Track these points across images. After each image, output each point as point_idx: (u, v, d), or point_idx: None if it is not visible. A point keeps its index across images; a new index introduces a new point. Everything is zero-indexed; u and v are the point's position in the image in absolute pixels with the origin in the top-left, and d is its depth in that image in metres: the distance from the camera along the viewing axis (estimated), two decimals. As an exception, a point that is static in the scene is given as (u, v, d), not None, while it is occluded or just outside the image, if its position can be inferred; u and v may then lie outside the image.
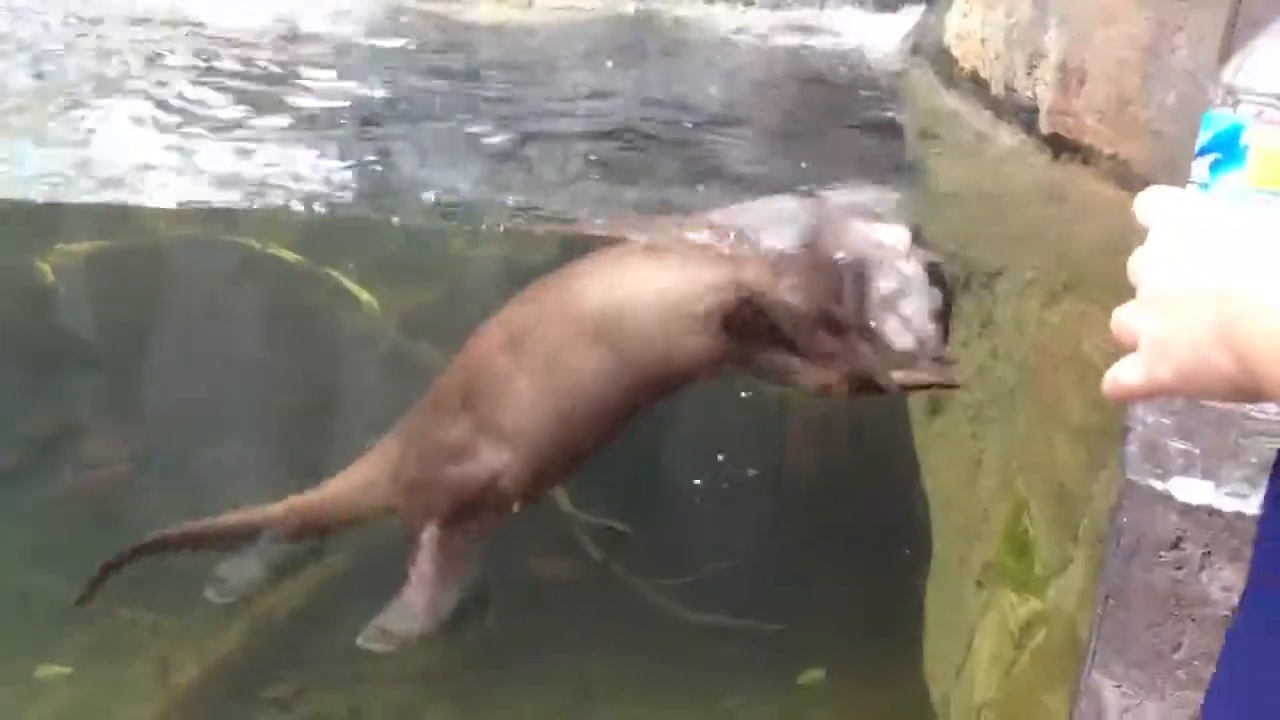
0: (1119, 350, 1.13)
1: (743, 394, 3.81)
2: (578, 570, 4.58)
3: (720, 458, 4.65)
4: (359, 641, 4.30)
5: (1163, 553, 1.98)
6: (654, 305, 2.78)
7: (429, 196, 3.00)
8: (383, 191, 3.08)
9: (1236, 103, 1.27)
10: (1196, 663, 1.98)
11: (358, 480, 3.23)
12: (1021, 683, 3.01)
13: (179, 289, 4.41)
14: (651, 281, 2.79)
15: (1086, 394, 2.73)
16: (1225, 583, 1.92)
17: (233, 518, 3.36)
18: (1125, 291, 2.41)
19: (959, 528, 3.53)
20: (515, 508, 2.99)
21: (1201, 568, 1.94)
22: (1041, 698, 2.84)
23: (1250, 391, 0.99)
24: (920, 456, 3.77)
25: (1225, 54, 1.79)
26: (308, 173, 3.00)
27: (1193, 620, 1.97)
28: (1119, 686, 2.08)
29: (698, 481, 4.76)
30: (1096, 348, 2.64)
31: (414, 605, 4.42)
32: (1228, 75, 1.28)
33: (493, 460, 2.90)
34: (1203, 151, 1.32)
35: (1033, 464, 3.01)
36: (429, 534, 2.97)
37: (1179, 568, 1.96)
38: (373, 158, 3.12)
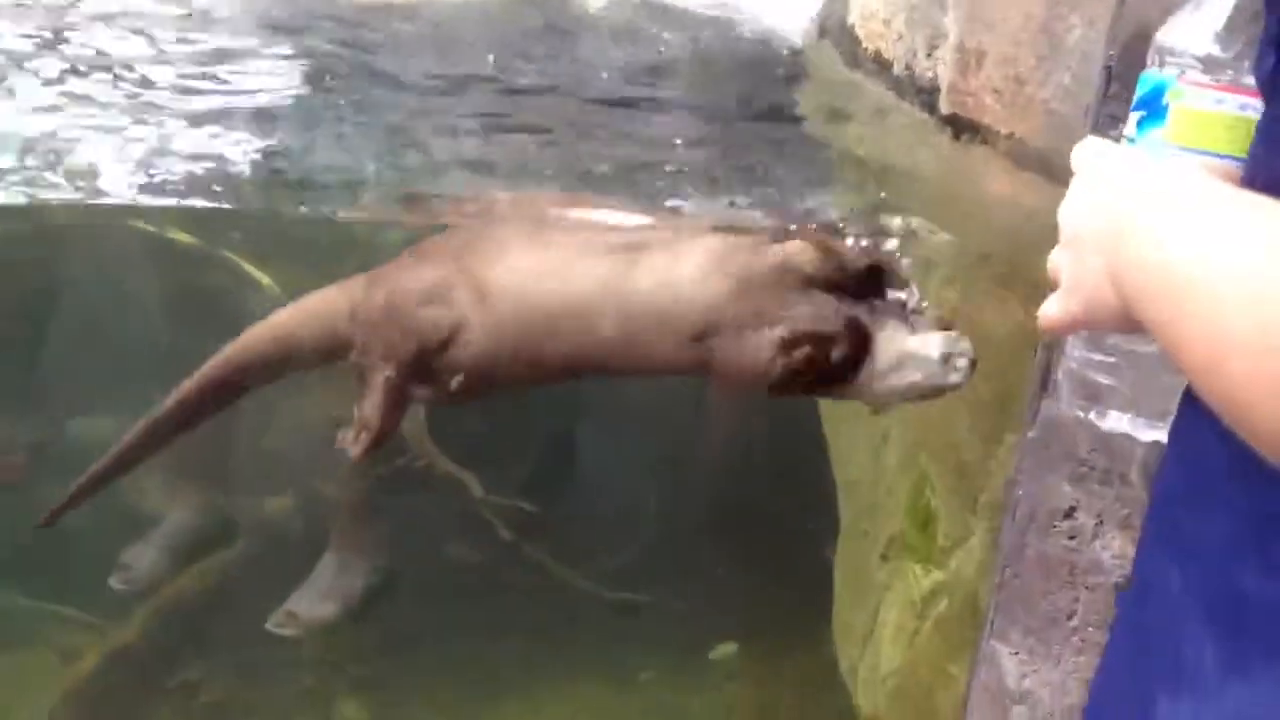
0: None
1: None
2: (488, 552, 4.57)
3: (630, 438, 4.67)
4: (267, 626, 4.27)
5: (1057, 522, 2.02)
6: (672, 298, 2.64)
7: (325, 178, 2.96)
8: (277, 174, 3.03)
9: (1163, 63, 1.31)
10: (1090, 629, 2.03)
11: (313, 308, 3.06)
12: (925, 652, 3.07)
13: (70, 274, 4.32)
14: (683, 271, 2.65)
15: (986, 368, 2.78)
16: (1116, 551, 1.97)
17: (173, 397, 3.19)
18: (1022, 266, 2.45)
19: (865, 502, 3.58)
20: (453, 388, 2.81)
21: (1094, 537, 1.99)
22: (944, 665, 2.90)
23: (1133, 324, 1.07)
24: (827, 434, 3.81)
25: (1115, 34, 1.83)
26: (203, 156, 2.95)
27: (1086, 588, 2.02)
28: (1016, 653, 2.12)
29: (607, 462, 4.78)
30: (996, 324, 2.69)
31: (323, 589, 4.40)
32: (1159, 36, 1.32)
33: (465, 310, 2.71)
34: (1134, 108, 1.37)
35: (934, 439, 3.06)
36: (382, 377, 2.81)
37: (1072, 537, 2.01)
38: (268, 141, 3.07)
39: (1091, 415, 1.95)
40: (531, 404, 4.55)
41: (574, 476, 4.88)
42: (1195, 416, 1.09)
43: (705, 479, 4.58)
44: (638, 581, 4.58)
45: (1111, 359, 1.89)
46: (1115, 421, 1.93)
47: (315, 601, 4.37)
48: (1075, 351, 1.95)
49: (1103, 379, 1.92)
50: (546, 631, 4.55)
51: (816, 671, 4.21)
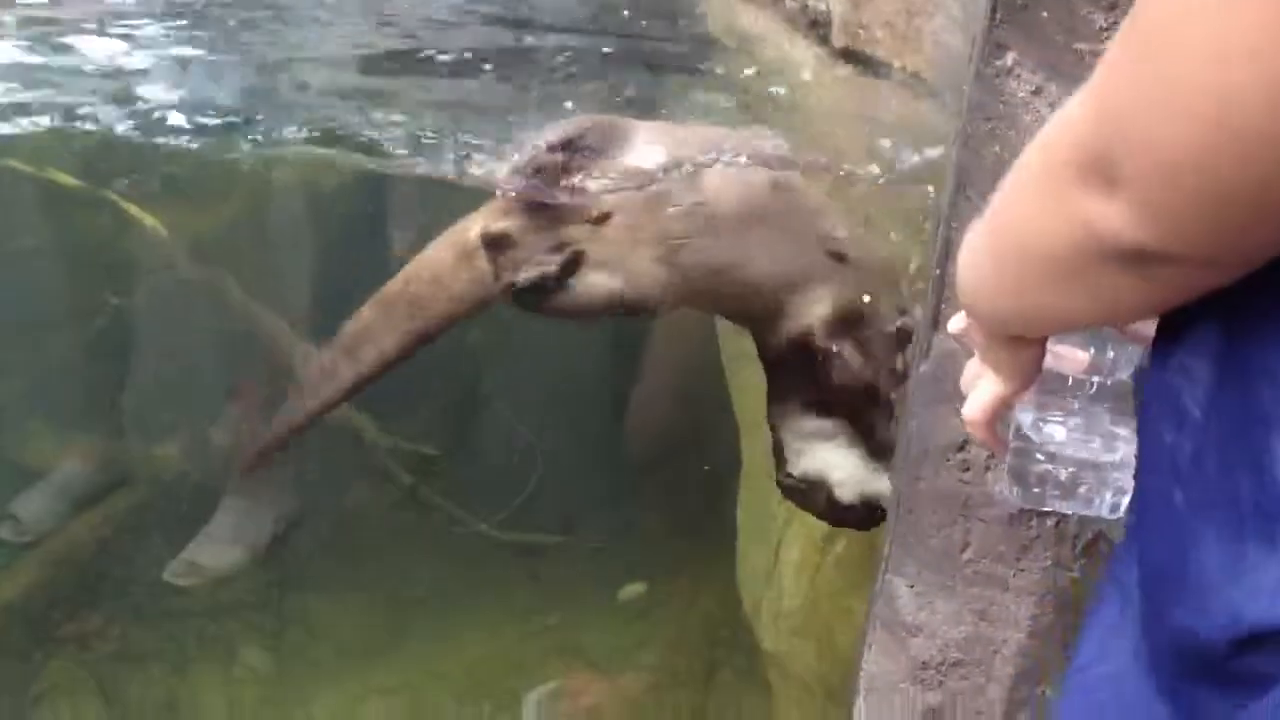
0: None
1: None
2: (389, 497, 4.53)
3: (531, 379, 4.63)
4: (166, 576, 4.21)
5: (949, 455, 2.02)
6: None
7: (205, 117, 2.86)
8: (154, 110, 2.92)
9: None
10: (985, 561, 2.04)
11: None
12: (825, 588, 3.09)
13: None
14: None
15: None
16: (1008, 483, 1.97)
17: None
18: (912, 198, 2.41)
19: (766, 441, 3.58)
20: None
21: (986, 469, 1.99)
22: (845, 601, 2.92)
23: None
24: (728, 373, 3.80)
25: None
26: (78, 89, 2.84)
27: (980, 520, 2.02)
28: (912, 586, 2.13)
29: (507, 404, 4.74)
30: (884, 257, 2.68)
31: (224, 536, 4.34)
32: None
33: None
34: None
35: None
36: None
37: (965, 469, 2.01)
38: (143, 68, 2.96)
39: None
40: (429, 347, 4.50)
41: (474, 418, 4.84)
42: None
43: (609, 419, 4.56)
44: (541, 523, 4.57)
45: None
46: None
47: (216, 550, 4.32)
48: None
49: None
50: (451, 576, 4.53)
51: (721, 610, 4.24)
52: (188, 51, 3.11)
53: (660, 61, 3.32)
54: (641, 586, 4.62)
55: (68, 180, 3.88)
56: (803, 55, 3.04)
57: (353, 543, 4.52)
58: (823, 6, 2.95)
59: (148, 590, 4.26)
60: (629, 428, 4.47)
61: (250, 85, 3.02)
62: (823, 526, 3.07)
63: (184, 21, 3.24)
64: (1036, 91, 1.80)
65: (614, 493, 4.57)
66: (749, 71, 3.37)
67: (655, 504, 4.55)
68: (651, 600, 4.62)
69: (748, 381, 3.71)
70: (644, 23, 3.40)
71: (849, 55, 2.81)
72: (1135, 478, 1.15)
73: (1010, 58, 1.80)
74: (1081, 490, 1.44)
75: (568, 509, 4.59)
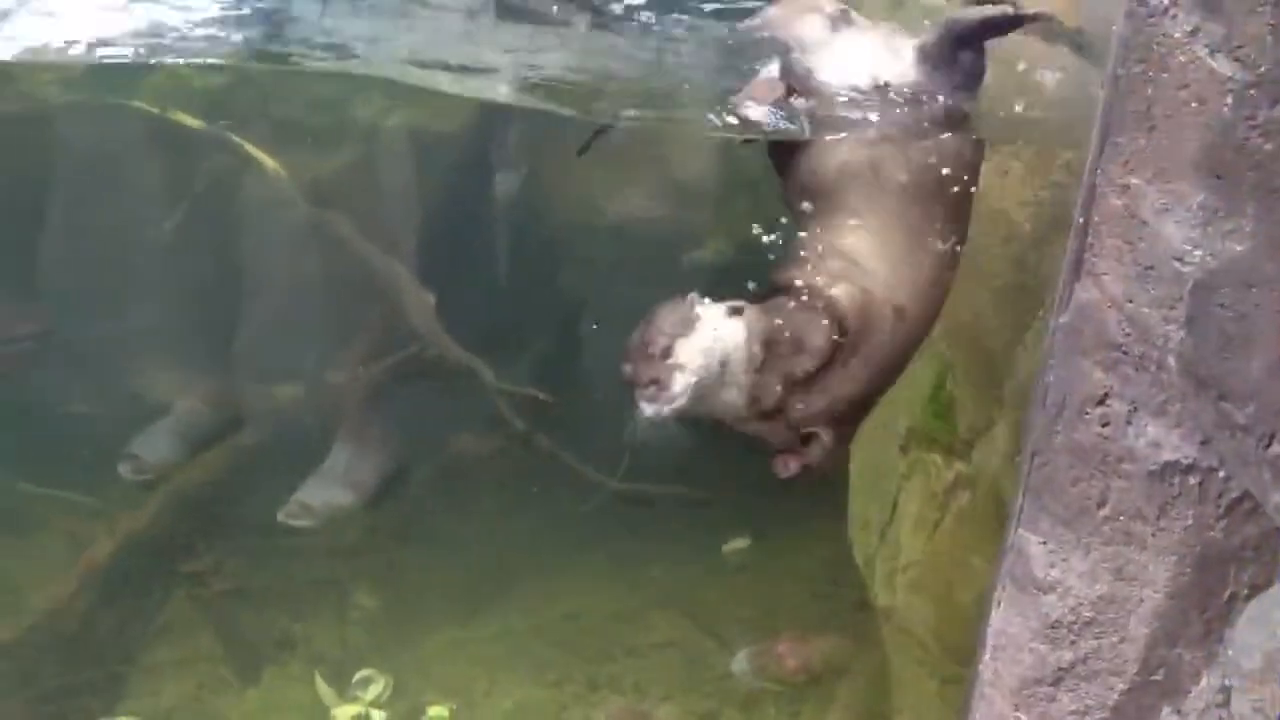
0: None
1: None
2: (500, 442, 4.54)
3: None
4: (279, 517, 4.27)
5: (1089, 409, 1.96)
6: None
7: (326, 46, 2.82)
8: (279, 45, 2.89)
9: None
10: (1122, 518, 1.98)
11: None
12: (945, 544, 3.04)
13: (72, 159, 4.23)
14: None
15: (1010, 253, 2.72)
16: (1151, 438, 1.91)
17: None
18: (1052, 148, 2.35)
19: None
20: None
21: (1128, 423, 1.93)
22: (966, 557, 2.87)
23: None
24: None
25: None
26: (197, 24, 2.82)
27: (1119, 476, 1.96)
28: (1044, 543, 2.08)
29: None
30: (1021, 204, 2.62)
31: (336, 479, 4.39)
32: None
33: None
34: None
35: (957, 326, 3.00)
36: None
37: (1105, 424, 1.95)
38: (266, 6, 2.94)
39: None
40: (546, 292, 4.50)
41: (587, 365, 4.83)
42: None
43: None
44: (651, 473, 4.55)
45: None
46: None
47: (328, 491, 4.38)
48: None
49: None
50: (558, 522, 4.54)
51: (829, 565, 4.21)
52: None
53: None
54: (745, 541, 4.60)
55: (191, 121, 3.91)
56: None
57: (463, 486, 4.55)
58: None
59: (262, 530, 4.32)
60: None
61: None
62: (944, 480, 3.02)
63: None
64: (1193, 32, 1.73)
65: (723, 444, 4.54)
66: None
67: (763, 455, 4.52)
68: (756, 554, 4.59)
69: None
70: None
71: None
72: None
73: (1165, -4, 1.74)
74: None
75: (678, 460, 4.57)
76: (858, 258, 2.58)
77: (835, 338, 2.54)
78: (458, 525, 4.57)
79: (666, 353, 2.53)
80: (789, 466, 2.77)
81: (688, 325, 2.55)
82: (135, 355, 4.51)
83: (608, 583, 4.51)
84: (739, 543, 4.61)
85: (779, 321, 2.58)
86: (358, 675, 3.98)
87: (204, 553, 4.38)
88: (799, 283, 2.59)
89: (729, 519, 4.58)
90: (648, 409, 2.55)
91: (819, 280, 2.58)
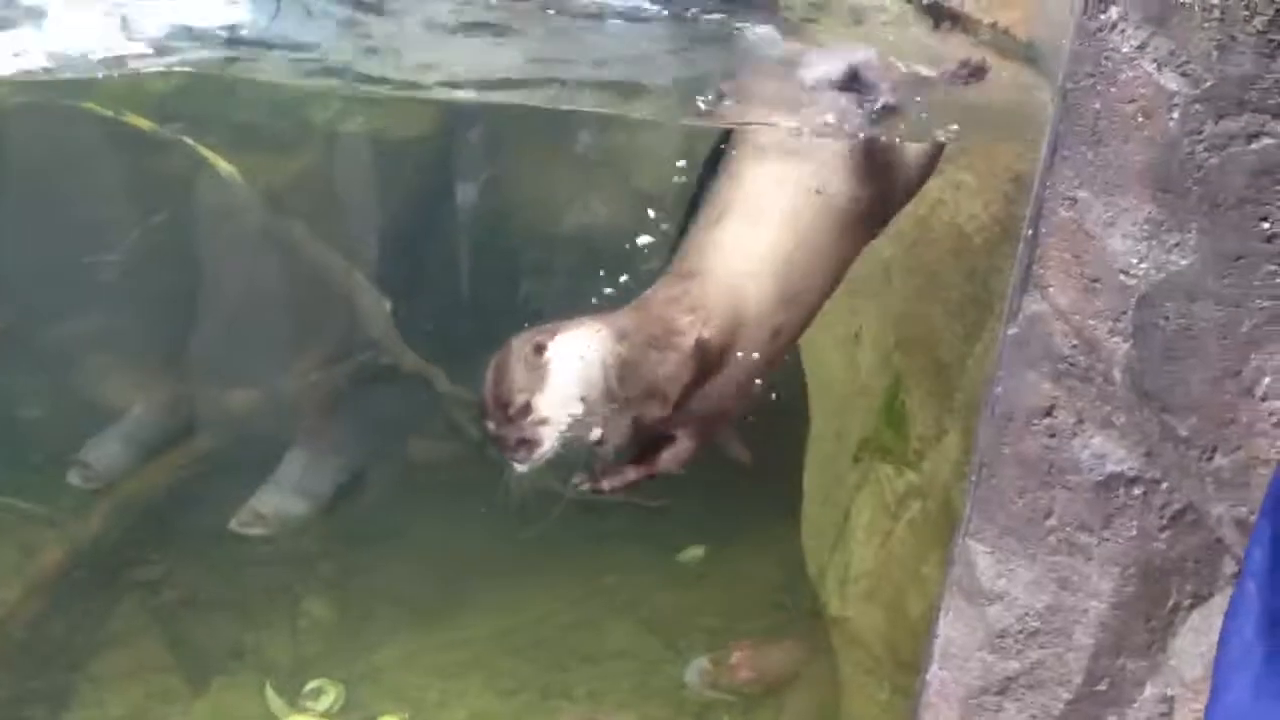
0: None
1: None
2: (455, 449, 4.52)
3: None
4: (232, 525, 4.23)
5: (1036, 421, 1.98)
6: None
7: (282, 55, 2.80)
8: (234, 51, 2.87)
9: None
10: (1068, 529, 2.00)
11: None
12: (897, 553, 3.05)
13: (24, 160, 4.19)
14: None
15: (962, 265, 2.73)
16: (1096, 450, 1.93)
17: None
18: (1002, 160, 2.38)
19: (837, 403, 3.54)
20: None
21: (1074, 435, 1.95)
22: (917, 567, 2.88)
23: None
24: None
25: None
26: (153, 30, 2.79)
27: (1065, 487, 1.98)
28: (991, 553, 2.09)
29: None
30: (972, 218, 2.64)
31: (290, 486, 4.36)
32: None
33: None
34: None
35: (909, 338, 3.01)
36: None
37: (1052, 435, 1.97)
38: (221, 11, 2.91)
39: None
40: (505, 300, 4.48)
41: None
42: None
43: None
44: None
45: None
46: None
47: (281, 499, 4.34)
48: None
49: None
50: (514, 530, 4.52)
51: (783, 574, 4.21)
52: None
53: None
54: (700, 550, 4.60)
55: (143, 123, 3.88)
56: (890, 10, 2.98)
57: (418, 494, 4.52)
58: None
59: (214, 538, 4.29)
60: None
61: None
62: (896, 490, 3.03)
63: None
64: (1140, 47, 1.75)
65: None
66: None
67: (717, 464, 4.51)
68: (712, 562, 4.59)
69: (818, 341, 3.67)
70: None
71: (935, 11, 2.75)
72: None
73: (1114, 12, 1.75)
74: None
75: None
76: (748, 278, 2.50)
77: (688, 379, 2.46)
78: (413, 533, 4.54)
79: (525, 410, 2.44)
80: (626, 476, 2.68)
81: (539, 377, 2.45)
82: (87, 359, 4.47)
83: (564, 591, 4.49)
84: (694, 551, 4.61)
85: (634, 354, 2.48)
86: (309, 685, 3.95)
87: (155, 561, 4.33)
88: (674, 295, 2.51)
89: (685, 527, 4.57)
90: (521, 468, 2.47)
91: (696, 301, 2.49)
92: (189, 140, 3.98)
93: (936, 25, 2.78)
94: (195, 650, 4.15)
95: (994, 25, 2.55)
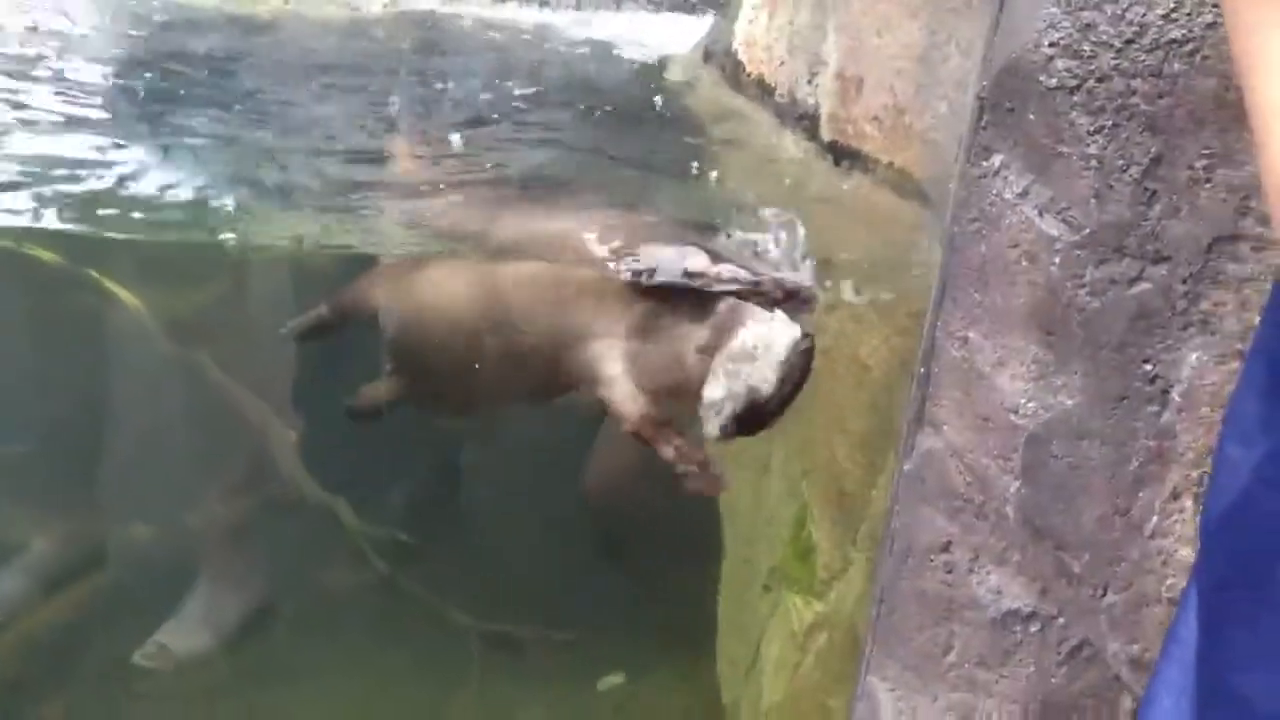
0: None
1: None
2: (364, 583, 4.46)
3: (508, 467, 4.58)
4: (136, 659, 4.13)
5: (933, 556, 1.99)
6: None
7: (178, 196, 2.83)
8: (135, 197, 2.89)
9: None
10: (967, 665, 2.00)
11: None
12: (806, 685, 3.03)
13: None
14: None
15: (864, 399, 2.76)
16: (993, 586, 1.94)
17: None
18: (902, 295, 2.42)
19: (747, 532, 3.54)
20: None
21: (970, 571, 1.96)
22: (824, 700, 2.86)
23: None
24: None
25: (988, 65, 1.81)
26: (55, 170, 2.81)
27: (963, 623, 1.99)
28: (893, 689, 2.09)
29: (485, 491, 4.68)
30: (873, 352, 2.67)
31: (195, 620, 4.27)
32: None
33: None
34: None
35: (816, 468, 3.03)
36: None
37: (949, 571, 1.98)
38: (123, 157, 2.94)
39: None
40: (407, 432, 4.46)
41: (451, 506, 4.78)
42: None
43: (585, 507, 4.51)
44: (518, 613, 4.50)
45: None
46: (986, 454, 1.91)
47: (187, 633, 4.25)
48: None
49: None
50: (427, 665, 4.45)
51: (701, 704, 4.17)
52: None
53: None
54: (620, 677, 4.54)
55: (47, 256, 3.85)
56: (792, 150, 3.05)
57: (326, 630, 4.44)
58: (811, 101, 2.96)
59: (118, 674, 4.18)
60: (605, 515, 4.41)
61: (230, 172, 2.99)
62: (804, 621, 3.02)
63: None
64: (1023, 194, 1.80)
65: (593, 582, 4.51)
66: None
67: (635, 594, 4.49)
68: (629, 693, 4.54)
69: (729, 469, 3.68)
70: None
71: (837, 150, 2.81)
72: None
73: (997, 159, 1.80)
74: None
75: (544, 599, 4.52)
76: None
77: None
78: (323, 667, 4.45)
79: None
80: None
81: None
82: (-11, 492, 4.38)
83: (479, 727, 4.42)
84: (614, 678, 4.55)
85: None
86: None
87: (56, 697, 4.21)
88: None
89: (604, 658, 4.52)
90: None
91: None
92: (93, 273, 3.95)
93: (837, 163, 2.85)
94: (99, 794, 4.03)
95: (891, 165, 2.61)
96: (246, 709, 4.34)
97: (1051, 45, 1.72)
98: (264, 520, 4.34)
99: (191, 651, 4.22)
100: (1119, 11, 1.66)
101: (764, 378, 2.48)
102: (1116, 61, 1.67)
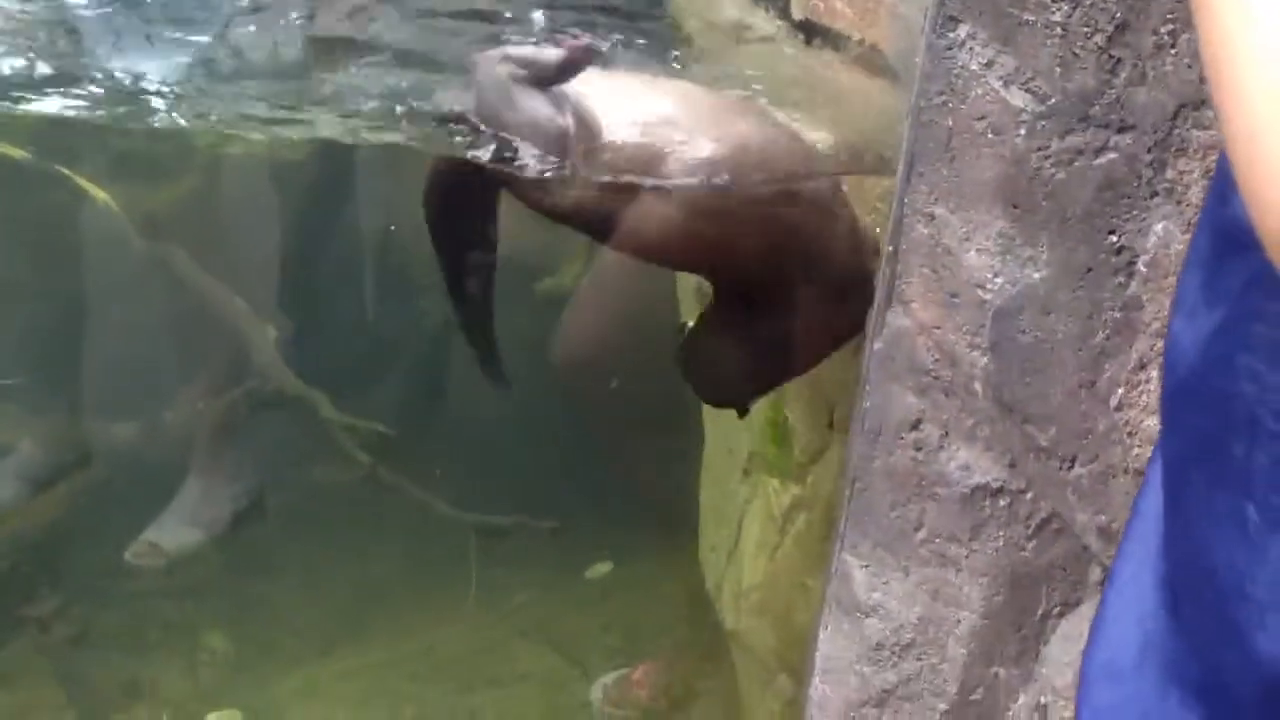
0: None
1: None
2: (350, 476, 4.49)
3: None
4: (127, 557, 4.17)
5: (903, 434, 2.00)
6: None
7: (126, 82, 2.77)
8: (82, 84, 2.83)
9: None
10: (938, 540, 2.02)
11: None
12: (784, 567, 3.07)
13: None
14: None
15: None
16: (962, 462, 1.96)
17: None
18: (874, 176, 2.40)
19: (726, 418, 3.55)
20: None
21: (940, 447, 1.97)
22: (803, 580, 2.90)
23: None
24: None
25: (956, -68, 1.78)
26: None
27: (933, 499, 2.00)
28: (866, 566, 2.11)
29: (466, 381, 4.69)
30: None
31: (185, 517, 4.30)
32: None
33: None
34: None
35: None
36: None
37: (919, 448, 1.99)
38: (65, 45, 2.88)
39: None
40: (387, 326, 4.46)
41: (433, 397, 4.80)
42: None
43: (569, 398, 4.52)
44: (504, 504, 4.53)
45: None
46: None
47: (177, 530, 4.28)
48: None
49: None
50: (415, 556, 4.49)
51: (685, 589, 4.22)
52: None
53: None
54: (608, 565, 4.59)
55: (16, 153, 3.81)
56: (764, 28, 3.01)
57: (313, 524, 4.48)
58: (781, -23, 2.91)
59: (108, 572, 4.22)
60: (589, 404, 4.41)
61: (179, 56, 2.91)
62: (783, 503, 3.05)
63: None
64: (988, 65, 1.77)
65: (580, 471, 4.54)
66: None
67: (617, 482, 4.52)
68: (619, 580, 4.59)
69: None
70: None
71: (808, 28, 2.77)
72: None
73: (963, 30, 1.78)
74: None
75: (535, 488, 4.55)
76: None
77: None
78: (312, 560, 4.49)
79: None
80: None
81: None
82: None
83: (469, 614, 4.46)
84: (602, 567, 4.60)
85: None
86: (208, 718, 3.89)
87: (47, 597, 4.24)
88: None
89: (591, 545, 4.57)
90: None
91: None
92: (65, 170, 3.91)
93: (809, 41, 2.81)
94: (89, 688, 4.07)
95: (861, 41, 2.58)
96: (237, 603, 4.39)
97: (1017, -89, 1.69)
98: (251, 416, 4.36)
99: (182, 548, 4.26)
100: (1084, -125, 1.63)
101: None
102: (1082, -74, 1.64)
